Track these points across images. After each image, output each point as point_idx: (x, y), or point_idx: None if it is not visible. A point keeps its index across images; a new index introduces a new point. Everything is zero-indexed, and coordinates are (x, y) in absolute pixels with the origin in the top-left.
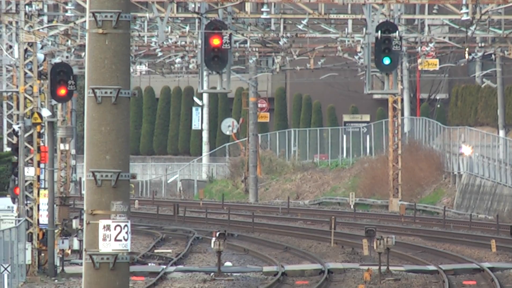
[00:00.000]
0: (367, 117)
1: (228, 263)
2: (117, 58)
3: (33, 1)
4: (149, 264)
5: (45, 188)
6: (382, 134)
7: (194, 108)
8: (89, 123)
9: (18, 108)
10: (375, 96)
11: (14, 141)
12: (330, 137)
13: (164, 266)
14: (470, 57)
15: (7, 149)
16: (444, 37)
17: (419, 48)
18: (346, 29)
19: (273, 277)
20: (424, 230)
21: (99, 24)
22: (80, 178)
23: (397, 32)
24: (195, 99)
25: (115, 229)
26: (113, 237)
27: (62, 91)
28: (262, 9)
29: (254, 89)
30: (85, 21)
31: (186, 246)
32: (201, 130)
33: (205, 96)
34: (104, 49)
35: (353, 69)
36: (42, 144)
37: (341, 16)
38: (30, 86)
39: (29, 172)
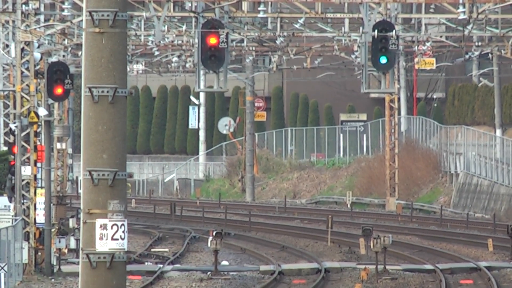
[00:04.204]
0: (364, 116)
1: (225, 262)
2: (114, 57)
3: (29, 0)
4: (146, 263)
5: (42, 187)
6: (379, 133)
7: (191, 107)
8: (86, 122)
9: (14, 107)
10: (372, 95)
11: (11, 140)
12: (327, 136)
13: (161, 265)
14: (467, 56)
15: (3, 148)
16: (441, 36)
17: (416, 47)
18: (343, 28)
19: (270, 276)
20: (421, 229)
21: (96, 23)
22: (77, 177)
23: (394, 31)
24: (192, 98)
25: (112, 228)
26: (110, 236)
27: (59, 90)
28: (259, 8)
29: (251, 88)
30: (81, 20)
31: (183, 245)
32: (198, 129)
33: (202, 95)
34: (100, 48)
35: (350, 68)
36: (39, 143)
37: (338, 15)
38: (27, 85)
39: (26, 171)
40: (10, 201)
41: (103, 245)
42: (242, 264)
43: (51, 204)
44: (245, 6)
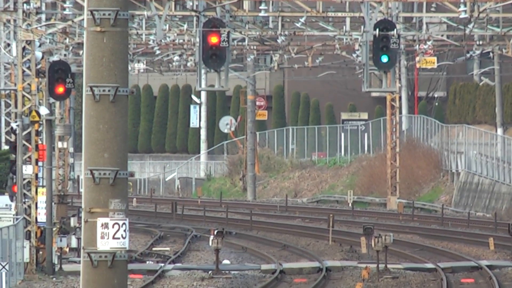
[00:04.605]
0: (365, 115)
1: (226, 261)
2: (115, 56)
3: None
4: (147, 262)
5: (43, 186)
6: (380, 132)
7: (192, 106)
8: (87, 121)
9: (16, 106)
10: (373, 94)
11: (12, 139)
12: (328, 135)
13: (162, 264)
14: (468, 55)
15: (5, 147)
16: (442, 35)
17: (417, 46)
18: (344, 27)
19: (271, 275)
20: (422, 228)
21: (97, 22)
22: (78, 176)
23: (395, 30)
24: (193, 97)
25: (113, 227)
26: (111, 235)
27: (60, 89)
28: (260, 7)
29: (252, 87)
30: (83, 19)
31: (184, 244)
32: (199, 128)
33: (203, 94)
34: (102, 47)
35: (351, 67)
36: (40, 142)
37: (339, 14)
38: (28, 84)
39: (27, 170)
40: (12, 200)
41: (105, 244)
42: (244, 263)
43: (53, 203)
44: (246, 5)
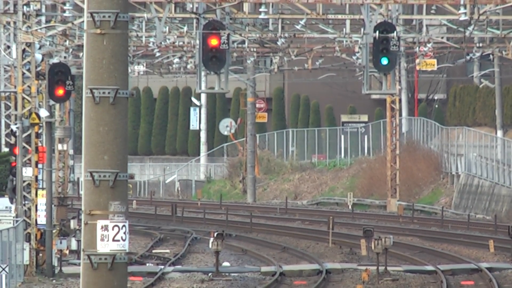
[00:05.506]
0: (365, 117)
1: (226, 263)
2: (115, 58)
3: (31, 1)
4: (147, 264)
5: (43, 189)
6: (380, 134)
7: (192, 108)
8: (87, 124)
9: (16, 109)
10: (373, 96)
11: (12, 142)
12: (328, 137)
13: (162, 266)
14: (468, 57)
15: (5, 149)
16: (442, 37)
17: (417, 48)
18: (344, 29)
19: (271, 277)
20: (422, 230)
21: (97, 24)
22: (78, 178)
23: (395, 32)
24: (193, 99)
25: (113, 229)
26: (111, 237)
27: (60, 91)
28: (260, 9)
29: (252, 89)
30: (83, 21)
31: (184, 246)
32: (199, 130)
33: (203, 96)
34: (102, 49)
35: (351, 69)
36: (40, 144)
37: (339, 16)
38: (28, 86)
39: (27, 172)
40: (11, 202)
41: (104, 246)
42: (243, 265)
43: (52, 205)
44: (246, 7)
